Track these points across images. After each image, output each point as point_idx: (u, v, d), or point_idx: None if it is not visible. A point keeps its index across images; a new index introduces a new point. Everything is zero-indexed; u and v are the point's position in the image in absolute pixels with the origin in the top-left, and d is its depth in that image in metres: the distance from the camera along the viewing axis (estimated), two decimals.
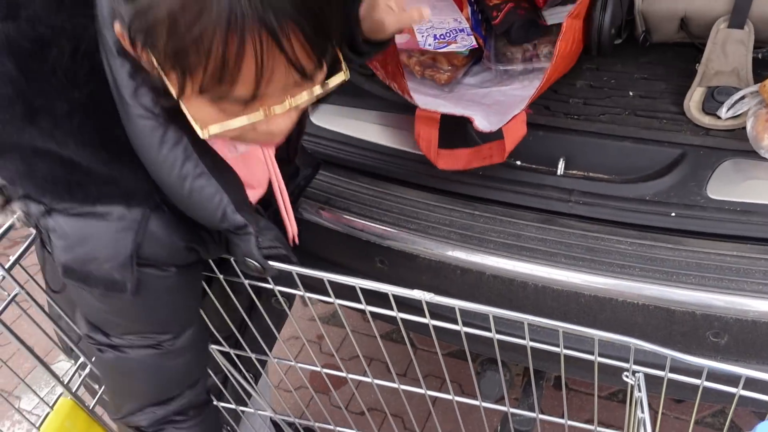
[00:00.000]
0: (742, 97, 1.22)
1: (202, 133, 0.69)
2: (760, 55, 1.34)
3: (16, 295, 0.92)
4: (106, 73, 0.70)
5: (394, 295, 0.87)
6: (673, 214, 1.13)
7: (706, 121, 1.25)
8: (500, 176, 1.26)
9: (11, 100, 0.68)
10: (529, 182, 1.24)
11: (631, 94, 1.37)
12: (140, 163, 0.73)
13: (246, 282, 0.93)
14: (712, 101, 1.26)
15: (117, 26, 0.65)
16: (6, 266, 0.90)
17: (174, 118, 0.70)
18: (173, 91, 0.65)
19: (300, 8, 0.59)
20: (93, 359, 0.95)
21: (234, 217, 0.77)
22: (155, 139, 0.71)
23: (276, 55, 0.60)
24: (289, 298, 1.28)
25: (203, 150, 0.74)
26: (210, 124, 0.68)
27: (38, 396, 1.00)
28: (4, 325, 0.89)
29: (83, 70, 0.70)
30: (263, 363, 1.11)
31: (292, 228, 1.00)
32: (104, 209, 0.74)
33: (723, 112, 1.23)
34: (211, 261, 0.91)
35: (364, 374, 1.04)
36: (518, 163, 1.28)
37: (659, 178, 1.19)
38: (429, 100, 1.31)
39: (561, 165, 1.24)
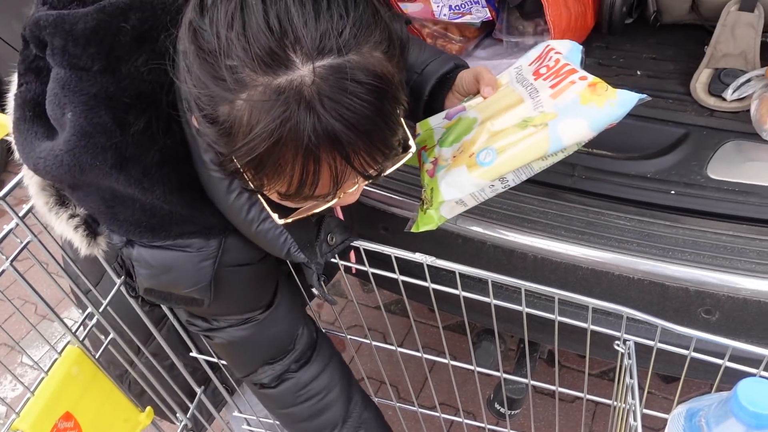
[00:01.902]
0: (748, 80, 1.24)
1: (278, 220, 0.74)
2: None
3: (28, 242, 0.94)
4: (182, 127, 0.74)
5: (396, 259, 0.90)
6: (672, 192, 1.15)
7: (712, 102, 1.26)
8: None
9: (104, 149, 0.70)
10: None
11: (638, 73, 1.38)
12: (215, 206, 0.79)
13: None
14: (718, 83, 1.27)
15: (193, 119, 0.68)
16: (20, 214, 0.92)
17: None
18: (252, 185, 0.68)
19: (357, 133, 0.60)
20: (208, 343, 1.02)
21: (297, 255, 0.83)
22: (223, 187, 0.76)
23: (348, 168, 0.63)
24: None
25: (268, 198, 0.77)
26: (287, 212, 0.74)
27: (48, 343, 1.03)
28: (17, 272, 0.92)
29: (173, 124, 0.73)
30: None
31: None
32: (184, 242, 0.79)
33: (728, 94, 1.24)
34: None
35: (364, 339, 1.07)
36: None
37: (661, 156, 1.21)
38: None
39: None
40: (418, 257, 0.88)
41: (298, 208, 0.75)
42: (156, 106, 0.72)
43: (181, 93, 0.71)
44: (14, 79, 0.80)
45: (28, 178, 0.83)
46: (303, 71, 0.57)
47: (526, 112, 0.87)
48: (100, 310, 1.04)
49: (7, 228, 0.92)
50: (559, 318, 0.88)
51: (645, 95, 0.86)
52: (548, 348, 1.84)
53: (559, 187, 1.21)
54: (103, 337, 1.13)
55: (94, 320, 1.06)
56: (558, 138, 0.84)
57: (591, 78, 0.87)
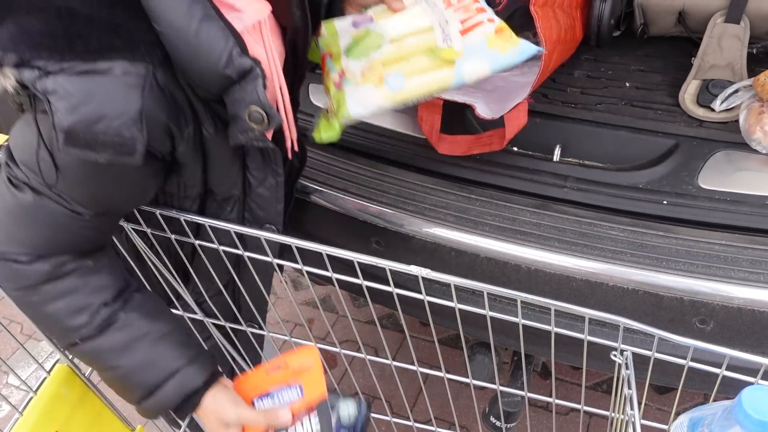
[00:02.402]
0: (736, 91, 1.25)
1: None
2: (754, 51, 1.37)
3: None
4: None
5: (391, 271, 0.89)
6: (665, 202, 1.15)
7: (700, 113, 1.28)
8: (497, 161, 1.28)
9: None
10: (526, 168, 1.26)
11: (627, 85, 1.39)
12: (142, 11, 0.72)
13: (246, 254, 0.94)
14: (706, 94, 1.28)
15: None
16: None
17: None
18: None
19: None
20: None
21: (241, 59, 0.76)
22: None
23: None
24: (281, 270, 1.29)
25: (211, 3, 0.75)
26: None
27: (36, 361, 1.01)
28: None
29: None
30: (259, 338, 1.13)
31: (291, 134, 0.97)
32: (106, 65, 0.71)
33: (717, 104, 1.25)
34: (186, 225, 0.93)
35: (357, 352, 1.06)
36: (515, 149, 1.30)
37: (652, 167, 1.21)
38: None
39: (557, 152, 1.26)
40: (413, 270, 0.88)
41: None
42: None
43: None
44: None
45: None
46: None
47: (434, 41, 0.96)
48: None
49: None
50: (556, 329, 0.87)
51: (542, 48, 1.01)
52: (542, 360, 1.83)
53: (551, 199, 1.22)
54: None
55: None
56: (461, 76, 0.95)
57: (498, 22, 0.97)
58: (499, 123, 1.22)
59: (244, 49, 0.78)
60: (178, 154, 0.83)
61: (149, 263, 1.00)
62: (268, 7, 0.85)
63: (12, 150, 0.81)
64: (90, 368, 1.06)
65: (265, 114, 0.80)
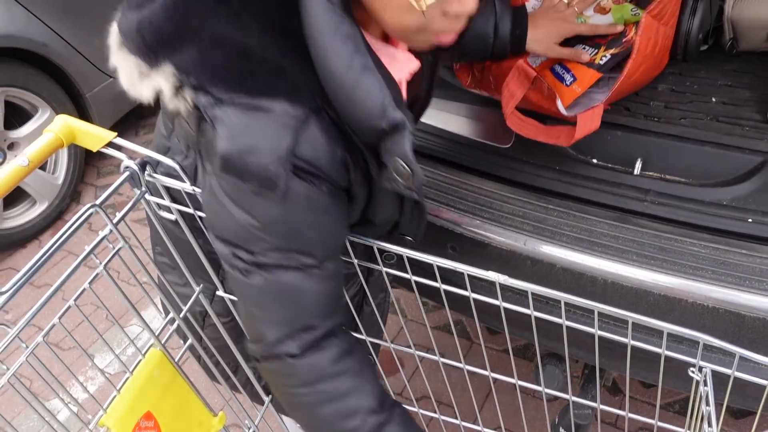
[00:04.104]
0: None
1: (418, 6, 0.74)
2: None
3: (120, 248, 1.00)
4: None
5: (469, 276, 0.91)
6: (749, 220, 1.13)
7: None
8: (576, 172, 1.28)
9: None
10: (605, 180, 1.26)
11: (713, 100, 1.37)
12: (309, 59, 0.78)
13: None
14: None
15: None
16: (114, 221, 0.98)
17: (349, 10, 0.75)
18: None
19: None
20: (238, 289, 0.92)
21: (394, 113, 0.79)
22: (331, 27, 0.75)
23: None
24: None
25: (370, 49, 0.78)
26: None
27: (113, 352, 1.08)
28: (111, 278, 0.97)
29: None
30: (376, 347, 1.15)
31: None
32: (269, 103, 0.77)
33: None
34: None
35: (422, 360, 1.07)
36: (595, 161, 1.30)
37: (738, 184, 1.19)
38: (535, 59, 1.34)
39: (638, 165, 1.25)
40: (491, 275, 0.90)
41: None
42: None
43: None
44: None
45: (122, 60, 0.82)
46: None
47: None
48: (181, 315, 1.10)
49: (101, 234, 0.98)
50: (632, 342, 0.88)
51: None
52: (612, 376, 1.81)
53: (630, 212, 1.21)
54: (182, 341, 1.19)
55: (175, 325, 1.11)
56: None
57: None
58: (572, 122, 1.22)
59: (398, 101, 0.81)
60: (353, 187, 0.88)
61: None
62: (417, 62, 0.90)
63: (223, 241, 0.88)
64: (179, 354, 1.13)
65: (409, 169, 0.83)
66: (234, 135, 0.78)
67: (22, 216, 2.62)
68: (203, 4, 0.74)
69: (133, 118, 3.20)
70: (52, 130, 0.94)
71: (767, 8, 1.35)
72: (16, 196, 2.66)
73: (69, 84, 2.68)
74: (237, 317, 1.11)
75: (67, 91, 2.69)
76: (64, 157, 2.74)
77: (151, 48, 0.77)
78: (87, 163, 2.95)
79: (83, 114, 2.77)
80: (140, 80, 0.80)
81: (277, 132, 0.78)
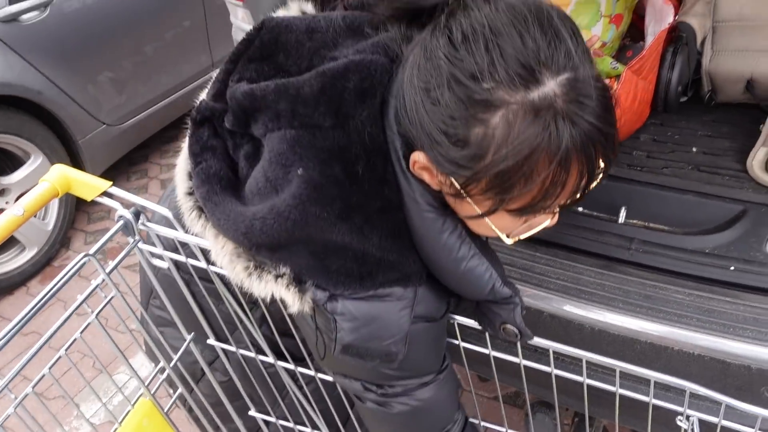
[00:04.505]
0: None
1: (507, 241, 0.78)
2: None
3: (112, 297, 1.01)
4: (396, 175, 0.78)
5: (458, 325, 0.93)
6: (732, 268, 1.16)
7: None
8: (562, 220, 1.30)
9: (333, 199, 0.75)
10: (591, 228, 1.28)
11: (694, 149, 1.41)
12: (415, 249, 0.81)
13: None
14: None
15: (418, 155, 0.73)
16: (107, 270, 0.99)
17: (448, 209, 0.78)
18: (477, 210, 0.73)
19: (601, 134, 0.66)
20: (369, 416, 0.98)
21: (502, 290, 0.84)
22: (436, 227, 0.78)
23: (586, 172, 0.68)
24: None
25: (472, 235, 0.82)
26: (510, 230, 0.78)
27: (122, 393, 1.07)
28: (102, 327, 0.98)
29: (389, 173, 0.77)
30: None
31: None
32: (385, 291, 0.80)
33: None
34: None
35: None
36: (580, 209, 1.33)
37: (719, 232, 1.22)
38: None
39: (623, 213, 1.28)
40: (469, 322, 0.91)
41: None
42: (379, 156, 0.76)
43: (394, 141, 0.75)
44: (181, 158, 0.87)
45: (218, 249, 0.83)
46: (550, 85, 0.64)
47: None
48: (171, 364, 1.10)
49: (94, 283, 0.99)
50: (620, 390, 0.89)
51: None
52: (603, 424, 1.80)
53: (616, 260, 1.23)
54: (171, 390, 1.18)
55: (165, 375, 1.11)
56: None
57: None
58: None
59: (504, 277, 0.85)
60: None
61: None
62: None
63: (346, 377, 0.92)
64: (168, 404, 1.13)
65: (519, 333, 0.88)
66: (358, 326, 0.80)
67: (11, 262, 2.60)
68: (325, 221, 0.75)
69: (125, 164, 3.22)
70: (48, 180, 0.96)
71: (743, 62, 1.40)
72: (6, 242, 2.65)
73: (62, 130, 2.70)
74: (234, 377, 1.11)
75: (60, 137, 2.71)
76: (55, 202, 2.74)
77: (257, 250, 0.79)
78: (78, 209, 2.96)
79: (75, 160, 2.78)
80: (247, 277, 0.81)
81: (394, 317, 0.81)
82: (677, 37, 1.40)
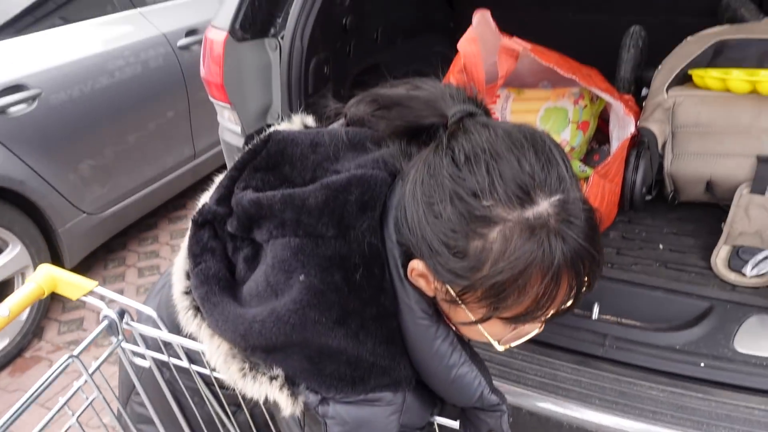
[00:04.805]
0: (766, 257, 1.32)
1: (498, 347, 0.81)
2: None
3: (94, 399, 1.00)
4: (393, 282, 0.80)
5: (439, 426, 0.93)
6: (702, 365, 1.19)
7: (732, 277, 1.34)
8: None
9: (331, 305, 0.77)
10: (566, 324, 1.32)
11: (661, 247, 1.47)
12: (406, 355, 0.83)
13: None
14: (737, 259, 1.35)
15: (417, 263, 0.76)
16: (90, 371, 0.99)
17: (441, 317, 0.81)
18: (472, 317, 0.76)
19: (589, 250, 0.71)
20: None
21: (490, 397, 0.86)
22: (430, 334, 0.81)
23: (575, 286, 0.73)
24: None
25: (462, 342, 0.85)
26: (501, 337, 0.81)
27: None
28: (81, 428, 0.97)
29: (386, 281, 0.80)
30: None
31: None
32: (376, 396, 0.81)
33: (748, 270, 1.31)
34: None
35: None
36: None
37: (688, 328, 1.26)
38: None
39: (596, 309, 1.32)
40: (449, 423, 0.92)
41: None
42: (378, 265, 0.79)
43: (393, 250, 0.79)
44: (179, 258, 0.89)
45: (213, 349, 0.83)
46: (544, 205, 0.69)
47: None
48: None
49: (76, 385, 0.99)
50: None
51: None
52: None
53: (591, 356, 1.26)
54: None
55: None
56: None
57: None
58: None
59: (492, 385, 0.89)
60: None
61: None
62: None
63: None
64: None
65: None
66: (347, 431, 0.82)
67: None
68: (323, 326, 0.77)
69: (103, 251, 3.21)
70: (34, 280, 0.97)
71: (702, 165, 1.49)
72: None
73: (42, 219, 2.70)
74: None
75: (39, 226, 2.71)
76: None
77: (252, 351, 0.81)
78: (52, 297, 2.92)
79: (54, 248, 2.77)
80: (241, 378, 0.82)
81: (383, 422, 0.83)
82: (639, 141, 1.49)
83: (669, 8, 1.97)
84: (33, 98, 2.54)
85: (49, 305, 2.91)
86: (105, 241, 3.11)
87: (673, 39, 1.67)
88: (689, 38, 1.64)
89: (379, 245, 0.79)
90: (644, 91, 1.89)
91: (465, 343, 0.85)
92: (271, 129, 0.90)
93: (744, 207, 1.40)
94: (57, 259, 2.77)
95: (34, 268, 2.67)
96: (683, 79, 1.57)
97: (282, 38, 1.54)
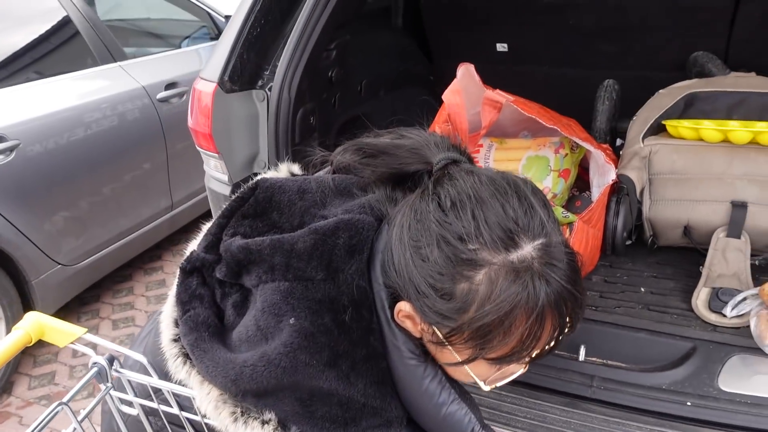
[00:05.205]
0: (744, 299, 1.35)
1: (484, 387, 0.81)
2: (757, 262, 1.50)
3: None
4: (381, 324, 0.81)
5: None
6: (688, 404, 1.21)
7: (713, 318, 1.37)
8: None
9: (322, 347, 0.77)
10: (554, 366, 1.33)
11: (642, 290, 1.51)
12: (397, 395, 0.83)
13: None
14: (717, 300, 1.39)
15: (404, 305, 0.77)
16: (79, 419, 0.97)
17: (429, 356, 0.82)
18: (458, 357, 0.77)
19: (572, 292, 0.73)
20: None
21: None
22: (418, 374, 0.81)
23: (558, 327, 0.74)
24: None
25: (451, 380, 0.84)
26: (486, 377, 0.81)
27: None
28: None
29: (374, 323, 0.80)
30: None
31: None
32: None
33: (728, 311, 1.35)
34: None
35: None
36: None
37: (673, 368, 1.28)
38: None
39: (582, 351, 1.34)
40: None
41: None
42: (365, 306, 0.79)
43: (380, 292, 0.79)
44: (167, 306, 0.88)
45: (203, 395, 0.83)
46: (527, 249, 0.71)
47: None
48: None
49: None
50: None
51: None
52: None
53: (579, 397, 1.27)
54: None
55: None
56: None
57: None
58: None
59: (482, 422, 0.88)
60: None
61: None
62: None
63: None
64: None
65: None
66: None
67: None
68: (314, 368, 0.78)
69: (76, 304, 3.14)
70: (22, 327, 0.96)
71: (679, 210, 1.54)
72: None
73: (15, 270, 2.65)
74: None
75: (12, 277, 2.66)
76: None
77: (243, 396, 0.80)
78: (23, 352, 2.84)
79: (26, 300, 2.71)
80: (233, 422, 0.81)
81: None
82: (619, 188, 1.54)
83: (641, 64, 2.07)
84: (11, 149, 2.53)
85: (20, 359, 2.83)
86: (79, 293, 3.05)
87: (645, 92, 1.75)
88: (661, 91, 1.72)
89: (367, 287, 0.80)
90: (618, 142, 1.97)
91: (454, 382, 0.85)
92: (259, 177, 0.92)
93: (721, 250, 1.45)
94: (29, 311, 2.71)
95: (6, 320, 2.61)
96: (657, 129, 1.64)
97: (269, 89, 1.57)
